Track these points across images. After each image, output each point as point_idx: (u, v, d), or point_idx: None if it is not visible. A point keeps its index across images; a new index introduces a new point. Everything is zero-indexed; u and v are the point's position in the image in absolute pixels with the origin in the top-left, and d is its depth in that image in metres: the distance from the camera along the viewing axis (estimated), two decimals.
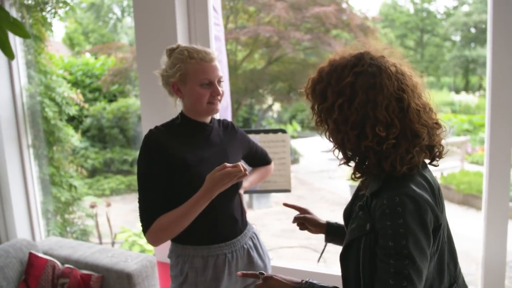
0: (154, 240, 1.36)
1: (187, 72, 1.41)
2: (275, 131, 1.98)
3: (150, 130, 1.45)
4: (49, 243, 2.46)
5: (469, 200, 5.89)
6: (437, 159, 1.10)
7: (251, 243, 1.57)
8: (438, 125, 1.08)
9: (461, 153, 7.21)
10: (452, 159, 7.14)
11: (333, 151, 1.10)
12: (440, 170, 6.87)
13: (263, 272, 1.18)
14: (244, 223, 1.57)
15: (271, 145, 1.96)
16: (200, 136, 1.49)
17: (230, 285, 1.51)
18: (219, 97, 1.45)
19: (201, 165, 1.42)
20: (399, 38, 17.54)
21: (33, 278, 2.16)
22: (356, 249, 1.04)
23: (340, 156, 1.10)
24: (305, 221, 1.44)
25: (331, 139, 1.08)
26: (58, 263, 2.25)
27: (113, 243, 4.26)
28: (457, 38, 17.51)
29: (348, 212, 1.22)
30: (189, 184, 1.39)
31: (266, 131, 1.99)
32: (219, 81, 1.45)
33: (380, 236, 0.98)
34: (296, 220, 1.46)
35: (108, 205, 4.54)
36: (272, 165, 1.80)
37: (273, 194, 6.49)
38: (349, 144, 1.03)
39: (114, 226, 4.46)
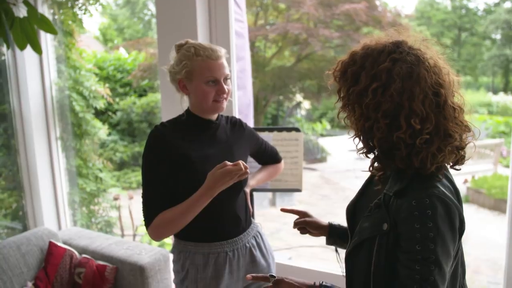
0: (155, 235, 1.38)
1: (193, 69, 1.41)
2: (288, 129, 1.96)
3: (156, 126, 1.47)
4: (69, 233, 2.54)
5: (501, 205, 5.66)
6: (460, 163, 1.04)
7: (254, 242, 1.56)
8: (467, 128, 1.02)
9: (495, 156, 6.94)
10: (485, 162, 6.88)
11: (354, 138, 1.05)
12: (472, 173, 6.63)
13: (273, 274, 1.14)
14: (248, 222, 1.57)
15: (284, 143, 1.94)
16: (205, 133, 1.49)
17: (231, 284, 1.51)
18: (224, 95, 1.44)
19: (206, 162, 1.43)
20: (435, 36, 17.03)
21: (52, 266, 2.24)
22: (368, 249, 1.00)
23: (360, 145, 1.05)
24: (306, 224, 1.37)
25: (355, 125, 1.02)
26: (76, 252, 2.32)
27: (134, 236, 4.36)
28: (497, 36, 16.82)
29: (353, 209, 1.18)
30: (193, 180, 1.39)
31: (280, 129, 1.97)
32: (226, 79, 1.45)
33: (404, 239, 0.94)
34: (297, 225, 1.39)
35: (131, 198, 4.63)
36: (282, 163, 1.79)
37: (297, 193, 6.45)
38: (378, 133, 0.97)
39: (136, 219, 4.55)
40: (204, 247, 1.47)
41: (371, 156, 1.06)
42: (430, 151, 0.95)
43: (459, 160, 1.03)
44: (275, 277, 1.12)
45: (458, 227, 0.95)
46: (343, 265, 1.20)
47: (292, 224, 1.42)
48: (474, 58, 16.86)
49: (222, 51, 1.44)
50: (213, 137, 1.50)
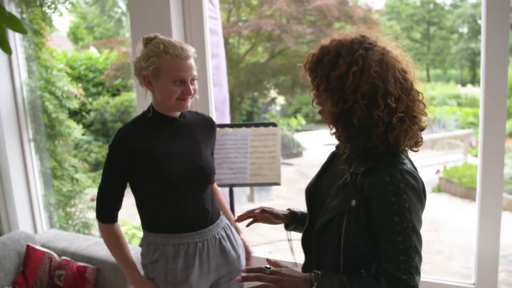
0: (100, 232, 1.51)
1: (161, 67, 1.40)
2: (266, 125, 1.99)
3: (120, 130, 1.47)
4: (47, 236, 2.50)
5: (472, 193, 5.86)
6: (419, 145, 1.14)
7: (223, 233, 1.60)
8: (425, 113, 1.12)
9: (465, 146, 7.17)
10: (455, 152, 7.10)
11: (330, 122, 1.12)
12: (443, 163, 6.83)
13: (269, 266, 1.11)
14: (216, 214, 1.60)
15: (262, 138, 1.97)
16: (170, 130, 1.50)
17: (202, 275, 1.53)
18: (190, 96, 1.45)
19: (173, 159, 1.46)
20: (405, 30, 17.37)
21: (30, 269, 2.21)
22: (337, 226, 1.07)
23: (333, 130, 1.12)
24: (271, 215, 1.37)
25: (333, 109, 1.08)
26: (55, 255, 2.29)
27: None
28: (464, 30, 17.30)
29: (312, 189, 1.25)
30: (161, 178, 1.44)
31: (257, 125, 2.00)
32: (193, 80, 1.45)
33: (380, 214, 1.02)
34: (261, 213, 1.37)
35: None
36: (216, 186, 1.79)
37: (275, 187, 6.51)
38: (359, 112, 1.04)
39: None
40: (175, 238, 1.49)
41: (343, 138, 1.12)
42: (402, 129, 1.05)
43: (418, 142, 1.13)
44: (270, 268, 1.10)
45: (424, 196, 1.06)
46: (295, 255, 1.32)
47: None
48: (443, 52, 17.28)
49: (191, 51, 1.43)
50: (178, 134, 1.51)
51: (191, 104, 2.41)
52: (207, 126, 1.61)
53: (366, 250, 1.06)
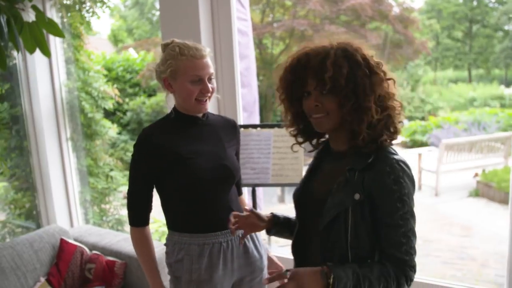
0: (131, 235, 1.55)
1: (178, 68, 1.45)
2: None
3: (144, 130, 1.51)
4: (80, 231, 2.61)
5: None
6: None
7: None
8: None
9: (505, 149, 6.86)
10: (495, 155, 6.80)
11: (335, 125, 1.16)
12: (482, 167, 6.57)
13: (288, 269, 1.12)
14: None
15: (285, 139, 1.98)
16: (193, 129, 1.53)
17: (226, 274, 1.54)
18: (208, 94, 1.48)
19: (197, 157, 1.48)
20: (446, 29, 16.81)
21: (63, 262, 2.32)
22: (343, 221, 1.11)
23: (338, 132, 1.18)
24: (256, 217, 1.39)
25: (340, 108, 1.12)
26: (86, 249, 2.39)
27: None
28: (510, 27, 16.56)
29: (300, 195, 1.27)
30: (187, 176, 1.46)
31: (280, 125, 2.01)
32: (210, 78, 1.48)
33: (384, 203, 1.09)
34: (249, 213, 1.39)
35: None
36: (244, 198, 1.79)
37: None
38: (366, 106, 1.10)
39: None
40: (200, 238, 1.50)
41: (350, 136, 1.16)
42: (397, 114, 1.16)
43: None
44: (289, 271, 1.11)
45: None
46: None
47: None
48: (486, 51, 16.62)
49: (206, 50, 1.48)
50: (202, 133, 1.54)
51: (217, 106, 2.44)
52: (230, 127, 1.64)
53: (370, 241, 1.11)
